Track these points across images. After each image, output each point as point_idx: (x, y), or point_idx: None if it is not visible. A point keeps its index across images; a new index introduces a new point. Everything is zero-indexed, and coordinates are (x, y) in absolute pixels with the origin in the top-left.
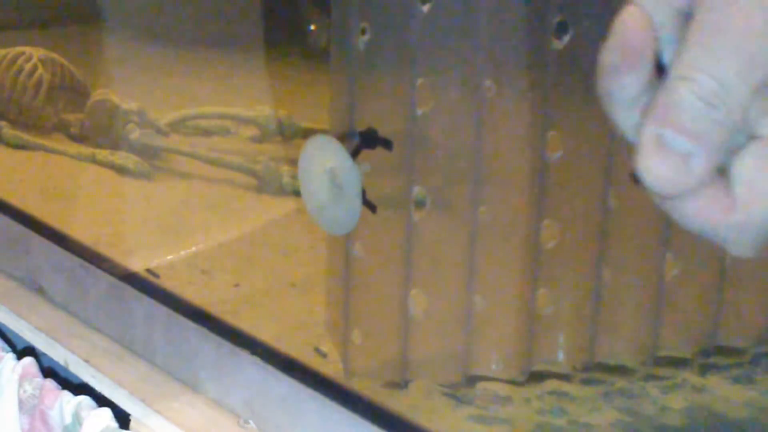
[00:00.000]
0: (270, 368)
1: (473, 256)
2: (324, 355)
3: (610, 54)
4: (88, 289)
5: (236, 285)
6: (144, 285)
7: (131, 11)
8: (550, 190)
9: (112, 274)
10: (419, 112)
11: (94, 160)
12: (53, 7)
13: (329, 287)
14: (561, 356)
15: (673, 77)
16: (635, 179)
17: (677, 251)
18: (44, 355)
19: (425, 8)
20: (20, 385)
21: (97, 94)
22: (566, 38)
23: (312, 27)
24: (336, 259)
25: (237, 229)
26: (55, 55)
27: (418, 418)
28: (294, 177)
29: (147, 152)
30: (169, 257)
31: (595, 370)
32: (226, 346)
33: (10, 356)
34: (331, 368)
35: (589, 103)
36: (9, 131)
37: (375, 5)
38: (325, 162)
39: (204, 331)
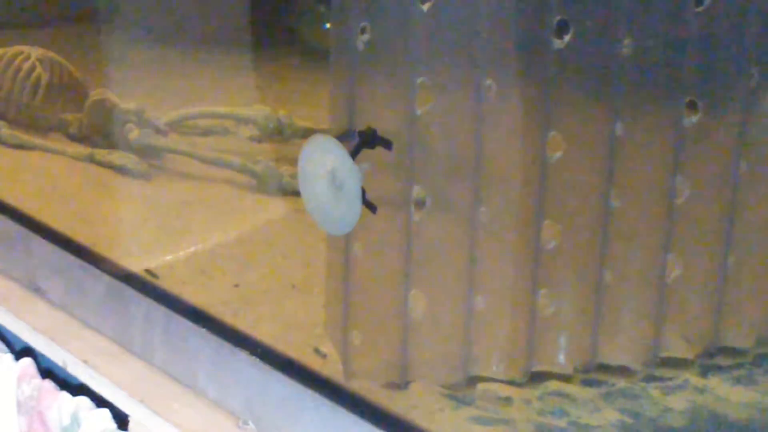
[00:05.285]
0: (269, 369)
1: (473, 257)
2: (323, 356)
3: None
4: (86, 289)
5: (236, 285)
6: (143, 285)
7: (131, 11)
8: (551, 191)
9: (110, 274)
10: (419, 112)
11: (92, 160)
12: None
13: (329, 288)
14: (562, 357)
15: None
16: None
17: (679, 252)
18: (42, 355)
19: (425, 8)
20: (18, 386)
21: (95, 94)
22: (567, 37)
23: (328, 25)
24: (336, 260)
25: (236, 229)
26: (53, 55)
27: (418, 419)
28: (294, 177)
29: (146, 152)
30: (168, 257)
31: (596, 371)
32: (226, 346)
33: (8, 357)
34: (330, 369)
35: (590, 102)
36: (7, 131)
37: (375, 5)
38: (325, 162)
39: (203, 331)
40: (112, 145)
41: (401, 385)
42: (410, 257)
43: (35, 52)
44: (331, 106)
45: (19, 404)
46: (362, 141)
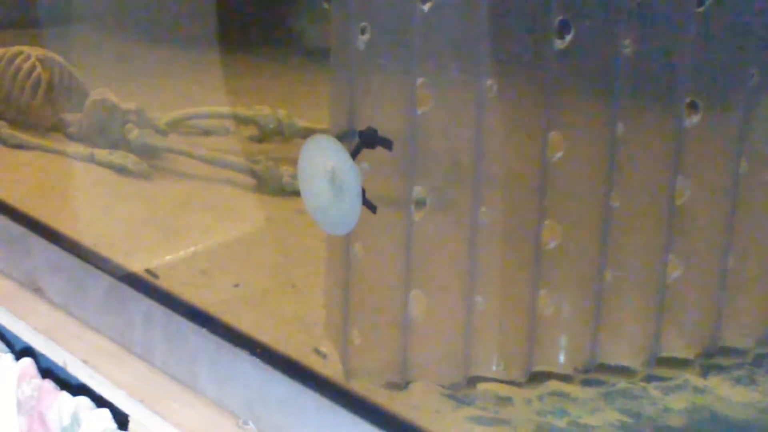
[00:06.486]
0: (269, 369)
1: (474, 257)
2: (323, 356)
3: None
4: (86, 289)
5: (236, 285)
6: (143, 285)
7: (130, 11)
8: (551, 191)
9: (111, 274)
10: (419, 112)
11: (92, 160)
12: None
13: (329, 287)
14: (562, 357)
15: None
16: None
17: (679, 252)
18: (43, 355)
19: (425, 8)
20: (18, 386)
21: (95, 94)
22: (568, 38)
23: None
24: (336, 259)
25: (236, 229)
26: (53, 55)
27: (418, 419)
28: (294, 177)
29: (146, 152)
30: (168, 257)
31: (596, 371)
32: (226, 346)
33: (9, 357)
34: (330, 369)
35: (590, 103)
36: (7, 131)
37: (375, 5)
38: (325, 162)
39: (203, 331)
40: (112, 145)
41: (401, 385)
42: (410, 257)
43: (35, 52)
44: (331, 106)
45: (19, 404)
46: (362, 141)
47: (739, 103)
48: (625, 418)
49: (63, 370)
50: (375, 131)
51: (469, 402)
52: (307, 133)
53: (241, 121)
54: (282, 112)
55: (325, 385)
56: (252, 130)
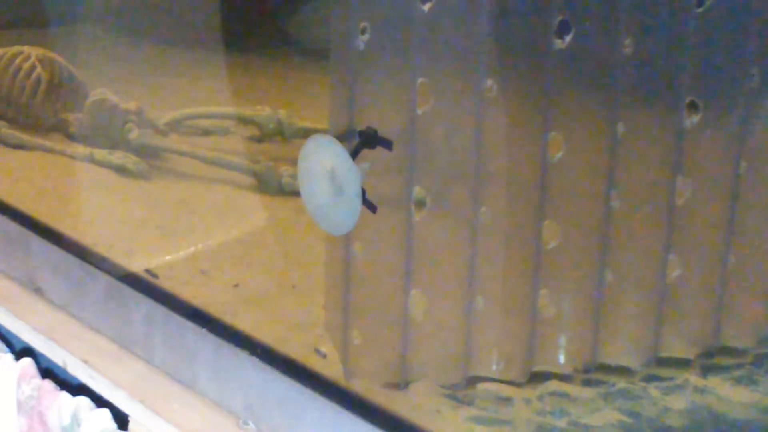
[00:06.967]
0: (269, 369)
1: (474, 257)
2: (323, 356)
3: None
4: (86, 289)
5: (235, 285)
6: (143, 285)
7: (132, 11)
8: (552, 191)
9: (110, 274)
10: (419, 112)
11: (92, 160)
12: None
13: (329, 288)
14: (562, 357)
15: None
16: None
17: (679, 252)
18: (42, 355)
19: (425, 8)
20: (18, 386)
21: (95, 94)
22: (568, 38)
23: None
24: (336, 260)
25: (236, 229)
26: (53, 55)
27: (419, 419)
28: (294, 177)
29: (146, 152)
30: (168, 257)
31: (596, 371)
32: (226, 346)
33: (9, 357)
34: (330, 369)
35: (590, 103)
36: (7, 131)
37: (375, 5)
38: (325, 162)
39: (203, 331)
40: (112, 145)
41: (401, 385)
42: (410, 257)
43: (35, 52)
44: (331, 106)
45: (19, 404)
46: (362, 141)
47: (739, 103)
48: (625, 418)
49: (63, 370)
50: (375, 131)
51: (469, 402)
52: (307, 133)
53: (241, 121)
54: (282, 112)
55: (325, 385)
56: (252, 130)
